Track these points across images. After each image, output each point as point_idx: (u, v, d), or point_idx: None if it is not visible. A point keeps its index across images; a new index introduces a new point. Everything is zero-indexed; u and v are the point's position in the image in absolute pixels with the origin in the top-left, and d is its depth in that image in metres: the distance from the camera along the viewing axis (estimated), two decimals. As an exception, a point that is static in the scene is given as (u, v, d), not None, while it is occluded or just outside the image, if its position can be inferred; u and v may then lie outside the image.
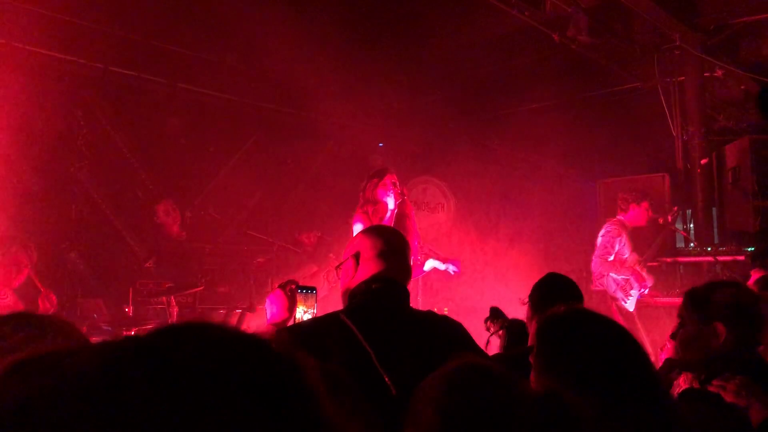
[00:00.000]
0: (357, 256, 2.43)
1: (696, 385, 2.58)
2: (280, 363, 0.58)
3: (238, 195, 6.40)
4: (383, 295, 2.32)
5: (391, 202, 4.70)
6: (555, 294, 2.77)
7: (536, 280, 2.97)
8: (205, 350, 0.55)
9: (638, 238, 6.15)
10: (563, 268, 6.63)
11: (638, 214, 5.97)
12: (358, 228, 4.61)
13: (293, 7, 5.60)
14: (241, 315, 5.63)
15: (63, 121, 5.63)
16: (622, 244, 5.89)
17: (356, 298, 2.36)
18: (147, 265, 5.19)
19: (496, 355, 2.70)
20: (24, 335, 1.34)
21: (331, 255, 6.67)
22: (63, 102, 5.61)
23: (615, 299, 5.84)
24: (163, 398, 0.51)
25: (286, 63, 6.29)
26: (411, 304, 2.47)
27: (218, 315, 5.66)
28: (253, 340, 0.60)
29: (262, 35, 5.76)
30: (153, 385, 0.52)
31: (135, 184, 6.25)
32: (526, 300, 2.90)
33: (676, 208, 6.18)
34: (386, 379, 2.03)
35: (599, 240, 5.96)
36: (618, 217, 6.08)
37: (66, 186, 5.79)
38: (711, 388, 2.08)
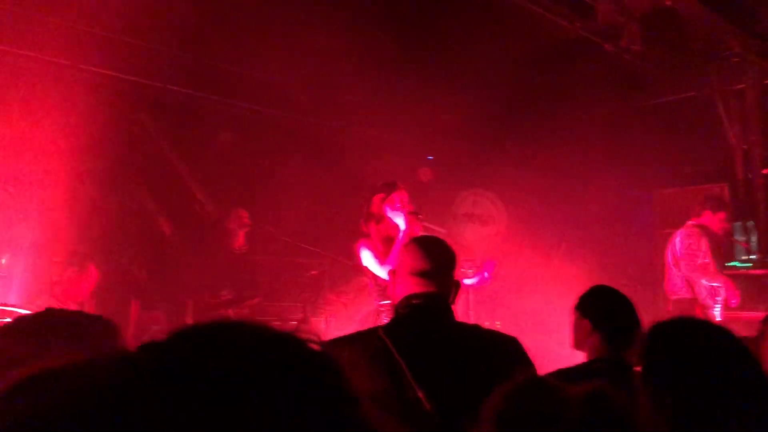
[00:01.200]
0: (398, 271, 2.45)
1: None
2: (317, 361, 0.57)
3: (290, 208, 6.49)
4: (423, 310, 2.31)
5: (401, 222, 4.41)
6: (615, 308, 2.71)
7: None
8: (231, 358, 0.53)
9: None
10: (618, 280, 6.51)
11: (712, 223, 5.75)
12: (365, 255, 4.45)
13: (342, 25, 5.68)
14: (296, 328, 5.69)
15: (123, 139, 5.81)
16: (705, 248, 5.62)
17: (397, 313, 2.37)
18: (223, 297, 5.21)
19: (557, 371, 2.64)
20: (26, 350, 1.30)
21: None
22: (123, 121, 5.79)
23: (706, 307, 5.60)
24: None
25: (336, 79, 6.38)
26: (461, 319, 2.47)
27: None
28: (285, 338, 0.59)
29: (311, 52, 5.86)
30: (170, 411, 0.49)
31: (191, 199, 6.40)
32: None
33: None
34: (420, 395, 2.02)
35: (678, 245, 5.70)
36: (691, 222, 5.84)
37: (127, 201, 5.96)
38: None
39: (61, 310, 1.68)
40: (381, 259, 4.38)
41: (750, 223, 6.63)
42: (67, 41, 5.30)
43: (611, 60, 6.17)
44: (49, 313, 1.53)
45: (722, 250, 5.95)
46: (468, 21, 6.03)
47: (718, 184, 6.72)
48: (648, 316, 2.80)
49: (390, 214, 4.48)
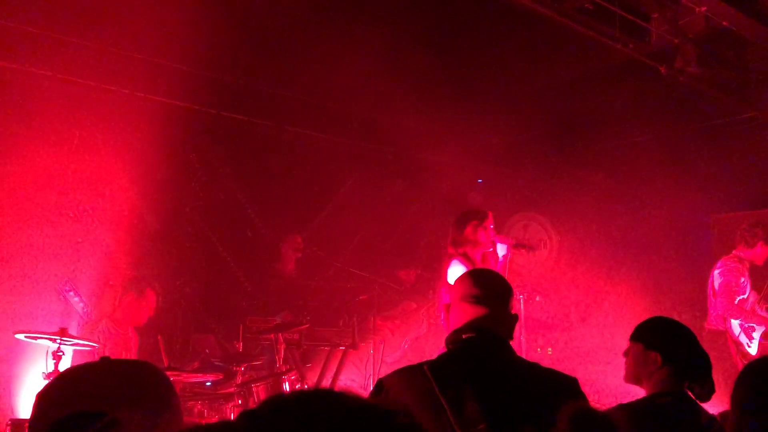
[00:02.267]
0: (452, 301, 2.37)
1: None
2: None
3: (340, 233, 6.54)
4: (474, 346, 2.22)
5: (501, 249, 4.70)
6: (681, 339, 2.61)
7: (643, 318, 2.80)
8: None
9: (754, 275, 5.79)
10: (674, 308, 6.34)
11: (763, 253, 5.64)
12: (457, 270, 4.49)
13: (390, 48, 5.73)
14: (344, 353, 5.70)
15: (179, 165, 5.97)
16: (745, 283, 5.53)
17: (447, 348, 2.29)
18: (273, 322, 5.31)
19: (620, 406, 2.55)
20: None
21: (431, 292, 6.66)
22: (178, 146, 5.95)
23: (738, 344, 5.47)
24: None
25: (385, 103, 6.42)
26: (513, 346, 2.34)
27: (322, 352, 5.75)
28: (379, 413, 0.60)
29: (361, 77, 5.92)
30: None
31: (245, 224, 6.51)
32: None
33: None
34: None
35: (718, 279, 5.60)
36: (735, 252, 5.74)
37: (182, 226, 6.10)
38: None
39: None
40: None
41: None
42: (124, 69, 5.49)
43: (667, 82, 6.04)
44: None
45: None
46: (520, 43, 6.01)
47: (781, 208, 6.50)
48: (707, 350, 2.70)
49: (484, 239, 4.68)
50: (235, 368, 4.72)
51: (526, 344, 5.97)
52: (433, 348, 6.14)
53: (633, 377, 2.60)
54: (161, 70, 5.56)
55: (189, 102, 5.97)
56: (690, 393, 2.50)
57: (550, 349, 7.22)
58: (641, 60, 5.90)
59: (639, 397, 2.56)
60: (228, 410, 4.43)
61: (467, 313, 2.27)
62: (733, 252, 5.78)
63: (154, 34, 5.16)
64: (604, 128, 7.30)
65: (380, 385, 2.19)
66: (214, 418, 4.30)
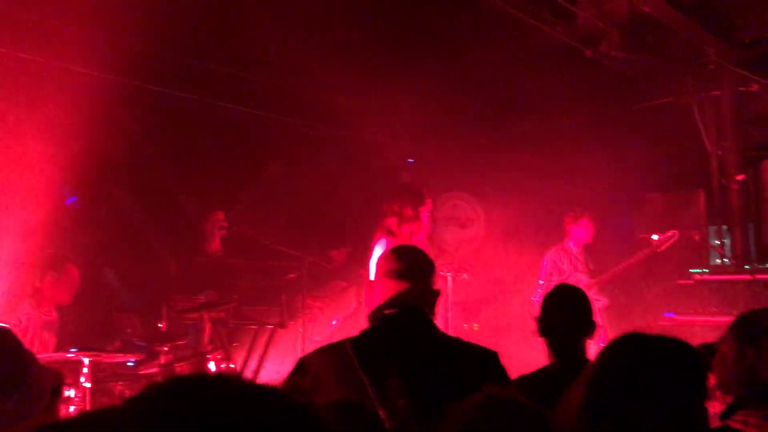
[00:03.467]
0: (375, 277, 2.39)
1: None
2: (296, 416, 0.58)
3: (269, 211, 6.45)
4: (395, 322, 2.22)
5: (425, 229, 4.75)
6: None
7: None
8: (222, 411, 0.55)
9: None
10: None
11: (579, 233, 6.32)
12: (383, 247, 4.58)
13: (323, 23, 5.65)
14: (272, 332, 5.66)
15: (99, 139, 5.73)
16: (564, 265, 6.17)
17: (370, 323, 2.30)
18: (198, 300, 5.23)
19: (519, 378, 2.65)
20: None
21: (361, 271, 6.67)
22: (99, 120, 5.71)
23: None
24: None
25: (317, 79, 6.34)
26: (438, 323, 2.37)
27: (249, 331, 5.70)
28: (268, 393, 0.60)
29: (293, 52, 5.82)
30: None
31: (169, 200, 6.33)
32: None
33: (672, 232, 6.06)
34: (381, 414, 1.96)
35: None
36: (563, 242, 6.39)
37: (102, 203, 5.89)
38: (733, 424, 2.02)
39: None
40: None
41: (724, 228, 6.71)
42: (39, 37, 5.21)
43: (593, 65, 6.19)
44: None
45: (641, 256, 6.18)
46: (452, 25, 6.04)
47: (696, 190, 6.79)
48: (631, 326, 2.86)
49: (425, 218, 4.69)
50: (158, 348, 4.63)
51: (452, 321, 6.08)
52: (363, 326, 6.18)
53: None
54: (80, 39, 5.30)
55: (109, 73, 5.73)
56: None
57: (476, 325, 7.38)
58: (569, 43, 6.03)
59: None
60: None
61: (389, 288, 2.27)
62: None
63: (79, 2, 4.92)
64: (533, 109, 7.45)
65: (301, 364, 2.19)
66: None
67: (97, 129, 5.63)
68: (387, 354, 2.13)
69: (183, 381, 0.60)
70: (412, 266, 2.33)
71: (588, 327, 2.78)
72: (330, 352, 2.21)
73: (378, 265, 2.42)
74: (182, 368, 4.52)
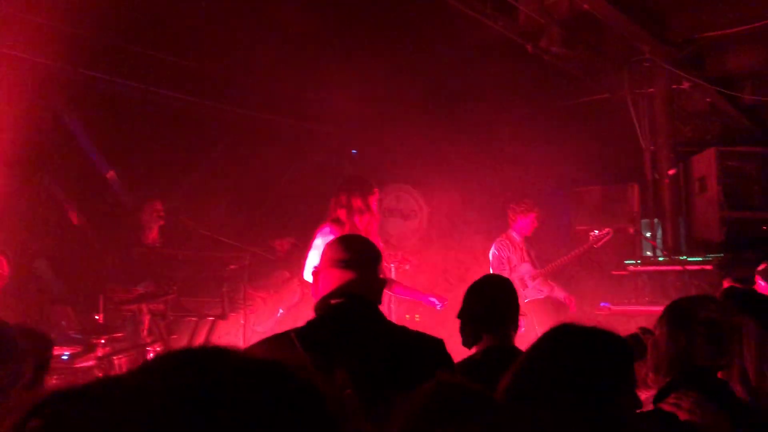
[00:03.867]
0: (320, 266, 2.36)
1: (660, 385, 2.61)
2: (302, 390, 0.58)
3: (210, 201, 6.34)
4: (341, 312, 2.21)
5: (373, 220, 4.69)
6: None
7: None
8: (233, 384, 0.55)
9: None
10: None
11: (523, 224, 6.36)
12: (328, 237, 4.54)
13: (266, 12, 5.58)
14: (213, 323, 5.58)
15: (32, 125, 5.52)
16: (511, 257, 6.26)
17: (316, 313, 2.28)
18: (136, 292, 5.07)
19: (459, 363, 2.68)
20: None
21: (304, 262, 6.63)
22: (31, 105, 5.49)
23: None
24: None
25: (260, 69, 6.26)
26: (383, 313, 2.37)
27: (190, 323, 5.60)
28: (275, 367, 0.60)
29: (235, 41, 5.73)
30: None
31: (105, 190, 6.15)
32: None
33: (607, 230, 6.28)
34: None
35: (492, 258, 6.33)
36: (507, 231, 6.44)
37: (34, 191, 5.67)
38: (665, 406, 2.09)
39: None
40: None
41: (656, 221, 6.96)
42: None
43: (535, 60, 6.31)
44: None
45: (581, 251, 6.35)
46: (396, 17, 6.05)
47: (630, 184, 7.01)
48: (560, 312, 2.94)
49: (375, 209, 4.64)
50: (94, 340, 4.50)
51: (395, 312, 6.12)
52: (307, 317, 6.14)
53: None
54: (14, 22, 5.09)
55: (44, 58, 5.52)
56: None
57: (417, 315, 7.43)
58: (511, 38, 6.13)
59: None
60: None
61: (336, 278, 2.26)
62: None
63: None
64: (476, 102, 7.54)
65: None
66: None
67: (28, 115, 5.42)
68: (333, 344, 2.12)
69: (195, 352, 0.60)
70: (359, 256, 2.32)
71: (508, 316, 2.83)
72: (274, 342, 2.17)
73: (324, 254, 2.39)
74: (120, 361, 4.41)
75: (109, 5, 5.20)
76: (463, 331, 2.84)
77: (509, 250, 6.30)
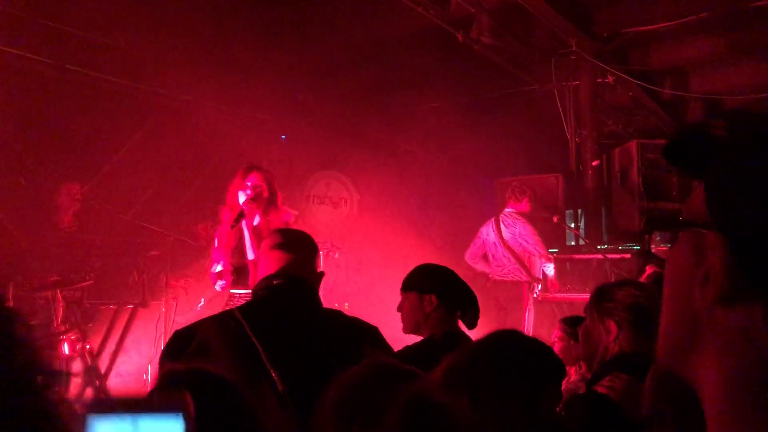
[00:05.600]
0: (260, 255, 2.44)
1: (587, 375, 2.67)
2: None
3: (131, 185, 6.11)
4: (282, 292, 2.27)
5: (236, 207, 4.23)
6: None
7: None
8: None
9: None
10: (462, 264, 6.78)
11: (527, 209, 6.60)
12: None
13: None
14: (133, 310, 5.40)
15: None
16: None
17: (255, 294, 2.33)
18: (49, 279, 4.79)
19: (405, 348, 2.67)
20: None
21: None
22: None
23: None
24: None
25: (188, 50, 6.05)
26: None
27: (108, 311, 5.40)
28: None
29: (161, 19, 5.52)
30: None
31: (18, 170, 5.83)
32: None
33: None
34: (273, 375, 2.02)
35: (530, 235, 6.37)
36: (508, 209, 6.60)
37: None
38: (600, 389, 2.13)
39: None
40: (223, 248, 4.21)
41: (580, 212, 7.14)
42: None
43: (464, 50, 6.34)
44: None
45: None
46: (324, 2, 5.97)
47: (554, 174, 7.16)
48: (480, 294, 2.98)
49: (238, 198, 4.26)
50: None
51: (324, 300, 6.07)
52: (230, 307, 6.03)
53: (412, 326, 2.72)
54: None
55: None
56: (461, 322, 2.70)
57: (346, 304, 7.41)
58: (442, 26, 6.13)
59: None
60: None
61: (275, 260, 2.33)
62: (506, 210, 6.50)
63: None
64: (408, 91, 7.54)
65: (182, 333, 2.18)
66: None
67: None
68: (275, 319, 2.19)
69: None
70: (296, 240, 2.42)
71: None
72: (217, 320, 2.22)
73: (263, 243, 2.48)
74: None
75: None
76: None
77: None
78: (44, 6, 5.44)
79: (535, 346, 1.77)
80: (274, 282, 2.28)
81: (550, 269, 6.23)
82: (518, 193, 6.61)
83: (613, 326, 2.24)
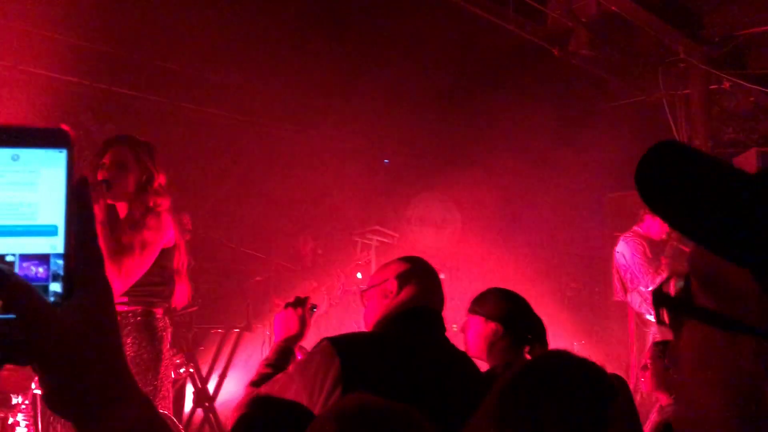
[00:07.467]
0: (394, 284, 2.29)
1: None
2: None
3: (235, 213, 6.40)
4: (414, 324, 2.19)
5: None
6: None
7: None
8: None
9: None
10: (569, 283, 6.56)
11: (652, 225, 5.80)
12: None
13: (293, 26, 5.61)
14: (239, 335, 5.62)
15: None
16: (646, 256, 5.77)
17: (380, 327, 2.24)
18: None
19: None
20: None
21: (338, 271, 6.63)
22: (65, 123, 5.65)
23: (640, 314, 5.85)
24: None
25: (290, 82, 6.29)
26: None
27: (216, 335, 5.65)
28: None
29: (264, 55, 5.78)
30: None
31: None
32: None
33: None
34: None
35: (631, 258, 5.77)
36: (634, 228, 5.96)
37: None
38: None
39: None
40: None
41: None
42: (9, 42, 5.16)
43: (562, 64, 6.17)
44: None
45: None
46: (423, 26, 6.01)
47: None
48: (598, 317, 2.81)
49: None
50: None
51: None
52: (336, 326, 6.13)
53: (477, 351, 2.61)
54: (46, 42, 5.25)
55: (76, 76, 5.68)
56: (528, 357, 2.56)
57: (455, 326, 7.35)
58: (536, 42, 6.01)
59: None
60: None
61: (406, 295, 2.25)
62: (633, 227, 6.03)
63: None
64: (507, 110, 7.41)
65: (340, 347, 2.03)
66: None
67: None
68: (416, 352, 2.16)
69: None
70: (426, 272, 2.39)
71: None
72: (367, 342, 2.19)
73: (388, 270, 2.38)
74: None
75: (131, 23, 5.33)
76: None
77: (644, 253, 5.75)
78: (155, 48, 5.84)
79: (586, 368, 1.61)
80: (403, 316, 2.22)
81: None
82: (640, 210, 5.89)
83: None
